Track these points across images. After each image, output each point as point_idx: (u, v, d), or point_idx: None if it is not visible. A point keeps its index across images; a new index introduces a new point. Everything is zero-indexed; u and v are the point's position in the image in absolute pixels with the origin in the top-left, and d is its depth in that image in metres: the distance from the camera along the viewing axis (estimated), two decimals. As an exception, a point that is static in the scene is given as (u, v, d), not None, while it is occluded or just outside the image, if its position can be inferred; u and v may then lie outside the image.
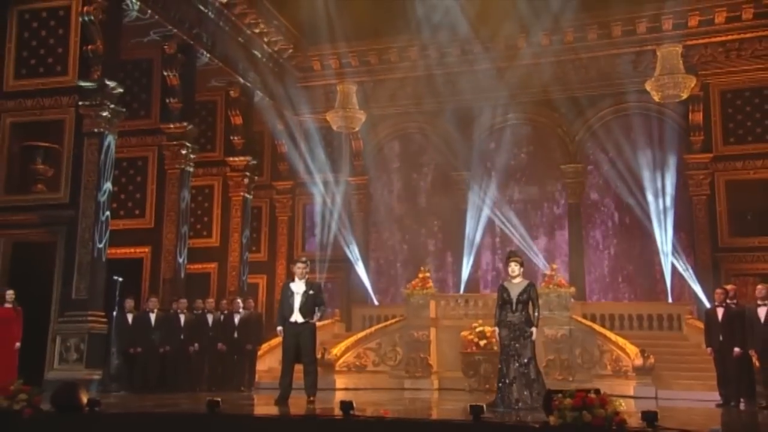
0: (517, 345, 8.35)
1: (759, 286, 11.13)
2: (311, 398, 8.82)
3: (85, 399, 6.64)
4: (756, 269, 17.48)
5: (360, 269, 19.92)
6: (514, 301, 8.41)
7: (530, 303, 8.46)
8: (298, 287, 9.12)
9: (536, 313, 8.51)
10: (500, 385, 8.43)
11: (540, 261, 18.91)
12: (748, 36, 17.88)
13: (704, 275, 17.75)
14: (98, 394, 11.93)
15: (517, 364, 8.29)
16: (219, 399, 6.39)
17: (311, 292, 9.09)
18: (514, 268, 8.51)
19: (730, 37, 18.04)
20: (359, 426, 6.04)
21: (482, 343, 14.46)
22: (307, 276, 9.27)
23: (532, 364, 8.37)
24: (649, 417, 5.81)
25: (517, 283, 8.55)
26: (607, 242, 19.84)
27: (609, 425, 5.73)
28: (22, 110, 14.10)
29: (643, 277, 19.17)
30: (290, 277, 9.83)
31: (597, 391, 6.02)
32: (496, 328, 8.67)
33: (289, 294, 9.11)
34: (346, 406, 6.17)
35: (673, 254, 18.37)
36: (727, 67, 18.23)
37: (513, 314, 8.42)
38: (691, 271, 17.99)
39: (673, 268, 18.27)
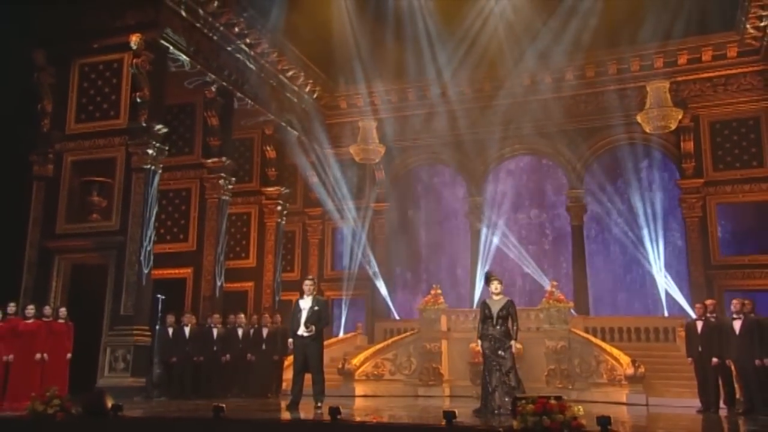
0: (498, 356, 8.38)
1: (734, 301, 10.94)
2: (318, 405, 8.88)
3: (110, 404, 6.84)
4: (747, 285, 17.15)
5: (382, 287, 19.99)
6: (495, 316, 8.46)
7: (509, 318, 8.49)
8: (305, 303, 9.23)
9: (515, 328, 8.53)
10: (484, 393, 8.45)
11: (545, 279, 18.78)
12: (733, 72, 17.79)
13: (698, 291, 17.42)
14: (142, 399, 12.29)
15: (498, 374, 8.32)
16: (224, 405, 6.55)
17: (317, 308, 9.17)
18: (497, 286, 8.57)
19: (716, 74, 17.98)
20: (345, 429, 6.11)
21: (488, 354, 14.37)
22: (314, 293, 9.39)
23: (512, 373, 8.38)
24: (603, 421, 5.80)
25: (497, 300, 8.60)
26: (607, 261, 19.70)
27: (565, 429, 5.74)
28: (80, 150, 14.64)
29: (642, 293, 18.92)
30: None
31: (558, 398, 6.04)
32: (479, 341, 8.70)
33: (297, 310, 9.24)
34: (333, 411, 6.27)
35: (668, 271, 18.21)
36: (714, 100, 18.07)
37: (494, 328, 8.47)
38: (683, 286, 17.73)
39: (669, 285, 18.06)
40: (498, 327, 8.47)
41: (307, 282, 9.49)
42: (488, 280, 8.84)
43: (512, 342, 8.46)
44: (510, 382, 8.31)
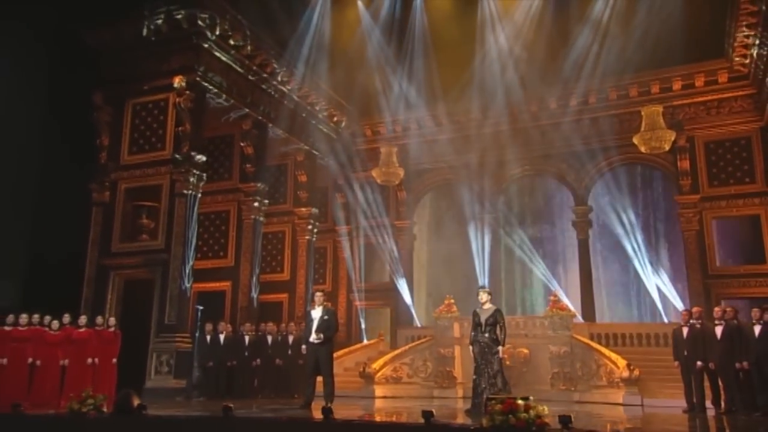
0: (486, 361, 8.42)
1: (716, 308, 10.86)
2: (328, 405, 9.00)
3: (135, 403, 7.11)
4: (743, 293, 16.79)
5: (406, 297, 20.05)
6: (483, 324, 8.52)
7: (497, 325, 8.53)
8: (316, 313, 9.42)
9: (503, 335, 8.57)
10: (474, 394, 8.49)
11: (557, 287, 18.68)
12: (725, 96, 17.52)
13: (696, 299, 17.09)
14: (183, 399, 12.59)
15: (487, 376, 8.35)
16: (232, 405, 6.75)
17: (326, 317, 9.35)
18: (483, 296, 8.65)
19: (709, 98, 17.71)
20: (335, 427, 6.25)
21: (496, 358, 14.32)
22: (324, 304, 9.57)
23: (500, 376, 8.42)
24: (564, 420, 5.81)
25: (486, 309, 8.66)
26: (612, 271, 19.48)
27: (530, 427, 5.78)
28: (132, 178, 15.19)
29: (644, 301, 18.64)
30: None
31: (525, 399, 6.08)
32: (470, 346, 8.76)
33: (309, 319, 9.44)
34: (326, 411, 6.41)
35: (669, 280, 17.97)
36: (708, 122, 17.79)
37: (482, 335, 8.53)
38: (683, 294, 17.45)
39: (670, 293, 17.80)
40: (486, 334, 8.53)
41: (317, 294, 9.69)
42: (477, 292, 8.92)
43: (499, 347, 8.50)
44: (497, 384, 8.34)
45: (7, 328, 11.10)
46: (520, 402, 5.93)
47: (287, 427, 6.64)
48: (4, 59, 14.82)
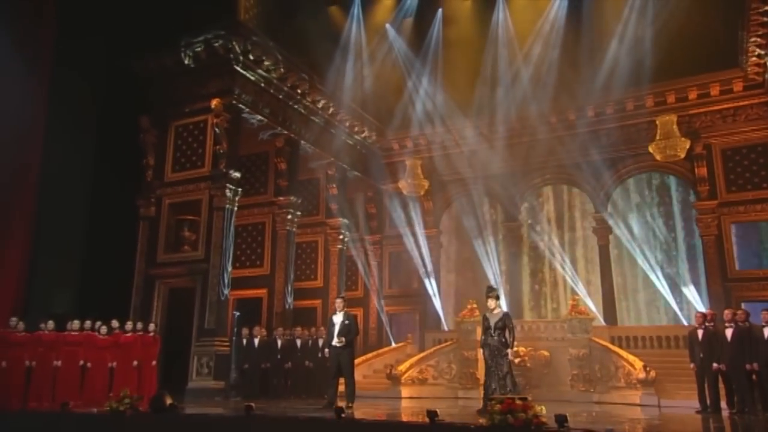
0: (496, 363, 8.44)
1: (726, 311, 10.61)
2: (350, 404, 9.16)
3: (168, 402, 7.38)
4: (762, 296, 16.31)
5: (435, 301, 20.06)
6: (493, 327, 8.55)
7: (506, 329, 8.55)
8: (337, 318, 9.58)
9: (511, 338, 8.58)
10: (485, 394, 8.52)
11: (581, 290, 18.49)
12: (740, 104, 17.12)
13: (716, 302, 16.69)
14: (221, 399, 12.88)
15: (497, 378, 8.37)
16: (253, 404, 6.95)
17: (347, 322, 9.51)
18: (491, 302, 8.68)
19: (725, 106, 17.32)
20: (347, 426, 6.38)
21: (516, 360, 14.23)
22: (345, 309, 9.72)
23: (509, 377, 8.43)
24: (560, 419, 5.84)
25: (495, 314, 8.69)
26: (633, 275, 19.13)
27: (528, 426, 5.82)
28: (175, 194, 15.60)
29: (665, 304, 18.26)
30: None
31: (523, 399, 6.12)
32: (481, 349, 8.79)
33: (331, 324, 9.61)
34: (338, 410, 6.56)
35: (692, 284, 17.62)
36: (724, 129, 17.39)
37: (492, 338, 8.55)
38: (702, 297, 17.07)
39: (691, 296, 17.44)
40: (496, 337, 8.56)
41: (338, 300, 9.86)
42: (486, 296, 8.96)
43: (508, 350, 8.52)
44: (507, 385, 8.36)
45: (65, 332, 11.60)
46: (518, 402, 5.98)
47: (303, 425, 6.81)
48: (60, 89, 15.48)
